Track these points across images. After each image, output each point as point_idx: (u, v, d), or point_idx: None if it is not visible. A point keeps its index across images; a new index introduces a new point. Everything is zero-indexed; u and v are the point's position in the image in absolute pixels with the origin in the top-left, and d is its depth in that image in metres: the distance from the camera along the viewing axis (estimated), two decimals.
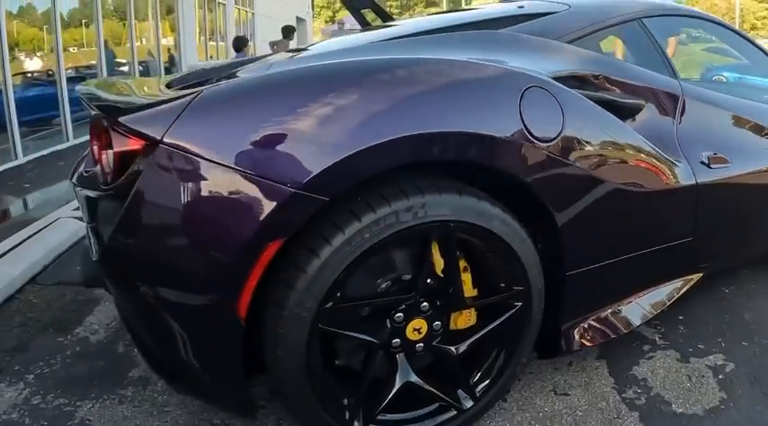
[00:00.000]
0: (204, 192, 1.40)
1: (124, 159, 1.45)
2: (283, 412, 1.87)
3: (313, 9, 35.82)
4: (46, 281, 3.12)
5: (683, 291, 2.33)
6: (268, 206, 1.37)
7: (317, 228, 1.46)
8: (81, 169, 2.13)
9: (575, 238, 1.82)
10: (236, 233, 1.39)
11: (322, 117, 1.46)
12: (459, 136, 1.58)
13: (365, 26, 4.80)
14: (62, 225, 3.98)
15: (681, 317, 2.53)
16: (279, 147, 1.42)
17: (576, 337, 2.00)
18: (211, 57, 14.03)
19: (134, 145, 1.42)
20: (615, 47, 2.64)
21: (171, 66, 11.59)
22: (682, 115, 2.33)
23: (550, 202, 1.74)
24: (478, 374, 1.81)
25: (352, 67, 1.65)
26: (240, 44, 9.54)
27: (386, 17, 4.36)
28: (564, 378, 2.13)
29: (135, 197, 1.40)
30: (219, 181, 1.39)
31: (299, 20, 27.98)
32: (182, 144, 1.38)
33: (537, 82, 1.77)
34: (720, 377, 2.16)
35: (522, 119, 1.67)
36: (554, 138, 1.73)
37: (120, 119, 1.43)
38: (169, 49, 11.90)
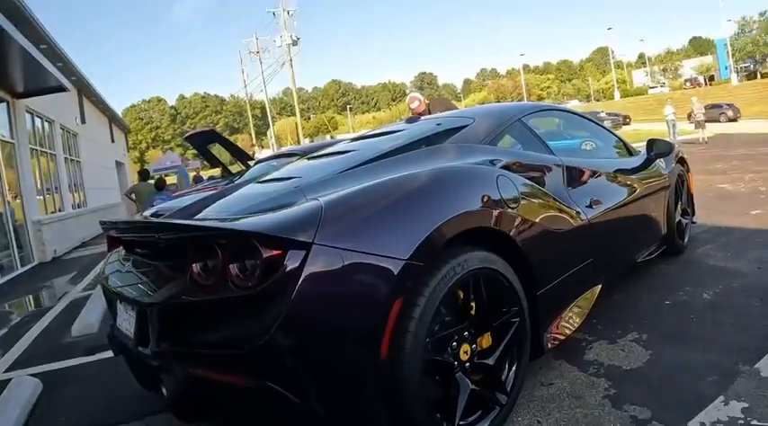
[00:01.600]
0: (351, 274, 2.07)
1: (269, 265, 1.92)
2: None
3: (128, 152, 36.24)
4: None
5: (596, 296, 3.38)
6: (393, 274, 2.11)
7: (414, 288, 2.21)
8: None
9: (537, 266, 2.75)
10: (377, 297, 2.08)
11: (410, 212, 2.29)
12: (476, 211, 2.50)
13: (211, 161, 5.67)
14: (16, 387, 3.84)
15: (594, 320, 3.56)
16: (390, 235, 2.18)
17: (549, 338, 2.92)
18: (52, 212, 13.97)
19: (278, 251, 1.92)
20: (510, 141, 3.70)
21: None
22: (565, 177, 3.44)
23: (522, 244, 2.67)
24: (504, 377, 2.59)
25: (412, 177, 2.50)
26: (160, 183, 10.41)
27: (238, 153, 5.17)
28: (542, 377, 2.99)
29: (301, 289, 1.90)
30: (359, 263, 2.08)
31: (119, 163, 28.35)
32: (327, 243, 2.03)
33: (500, 171, 2.77)
34: (642, 343, 3.21)
35: (500, 195, 2.64)
36: (516, 204, 2.72)
37: (264, 232, 1.94)
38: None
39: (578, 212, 3.25)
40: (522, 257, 2.68)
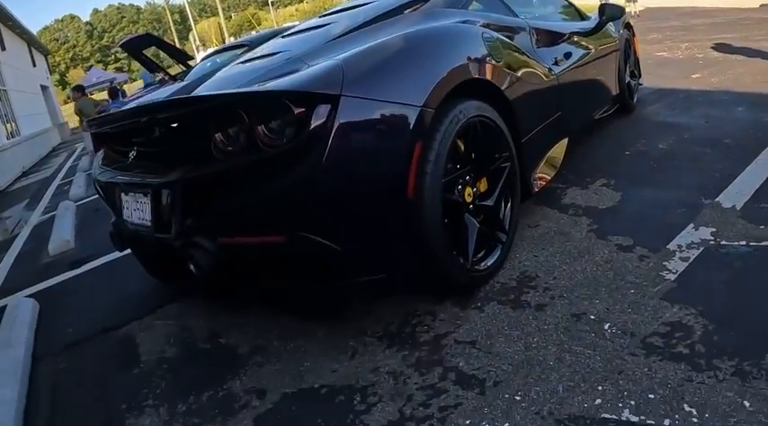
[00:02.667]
0: (377, 122, 2.21)
1: (300, 121, 2.02)
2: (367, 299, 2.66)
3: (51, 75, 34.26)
4: None
5: (564, 148, 3.63)
6: (412, 118, 2.26)
7: (429, 133, 2.38)
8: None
9: (520, 116, 2.95)
10: (402, 142, 2.24)
11: (419, 64, 2.43)
12: (471, 63, 2.64)
13: (150, 66, 5.59)
14: (15, 310, 3.74)
15: (564, 171, 3.84)
16: (405, 85, 2.32)
17: (535, 182, 3.18)
18: None
19: (308, 107, 2.01)
20: (477, 5, 3.76)
21: None
22: (532, 38, 3.61)
23: (508, 95, 2.85)
24: (502, 216, 2.84)
25: (414, 34, 2.62)
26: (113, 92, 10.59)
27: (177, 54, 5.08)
28: (528, 220, 3.27)
29: (334, 139, 2.00)
30: (383, 112, 2.21)
31: (44, 87, 27.06)
32: (353, 94, 2.14)
33: (482, 29, 2.91)
34: (611, 187, 3.52)
35: (488, 50, 2.80)
36: (500, 59, 2.88)
37: (294, 89, 2.10)
38: None
39: (549, 69, 3.45)
40: (509, 107, 2.87)
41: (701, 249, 2.60)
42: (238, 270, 2.43)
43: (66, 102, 38.58)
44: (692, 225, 2.85)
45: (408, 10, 3.32)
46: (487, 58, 2.76)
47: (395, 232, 2.28)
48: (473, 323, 2.39)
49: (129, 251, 3.43)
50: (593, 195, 3.44)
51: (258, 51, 3.64)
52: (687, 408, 1.73)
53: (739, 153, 3.69)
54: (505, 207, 2.83)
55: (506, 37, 3.20)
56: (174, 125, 2.50)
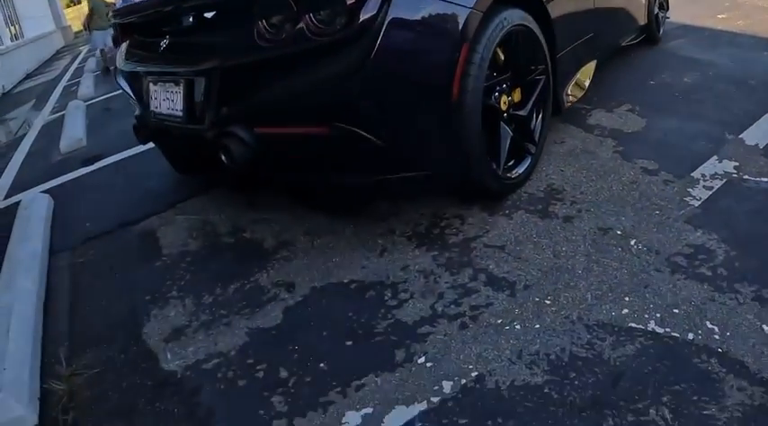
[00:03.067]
0: (430, 17, 2.19)
1: (351, 11, 2.05)
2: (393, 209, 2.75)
3: None
4: None
5: (593, 70, 3.63)
6: (462, 18, 2.25)
7: (475, 35, 2.37)
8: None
9: (558, 31, 2.93)
10: (451, 41, 2.23)
11: None
12: None
13: None
14: (31, 205, 3.75)
15: (590, 94, 3.83)
16: None
17: (566, 98, 3.20)
18: None
19: None
20: None
21: None
22: None
23: (550, 9, 2.82)
24: (533, 126, 2.87)
25: None
26: None
27: None
28: (554, 136, 3.26)
29: (386, 32, 2.01)
30: (434, 9, 2.20)
31: None
32: None
33: None
34: (636, 112, 3.54)
35: None
36: None
37: None
38: None
39: None
40: (549, 21, 2.85)
41: (724, 180, 2.66)
42: (272, 162, 2.44)
43: (68, 6, 37.45)
44: (715, 157, 2.89)
45: None
46: None
47: (436, 131, 2.30)
48: (501, 228, 2.46)
49: (145, 147, 3.42)
50: (618, 119, 3.46)
51: None
52: (709, 325, 1.82)
53: (764, 94, 3.70)
54: (536, 118, 2.86)
55: None
56: (213, 13, 2.47)
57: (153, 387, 1.98)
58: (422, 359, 1.84)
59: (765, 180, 2.60)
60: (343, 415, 1.69)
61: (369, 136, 2.15)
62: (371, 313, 2.09)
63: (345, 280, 2.30)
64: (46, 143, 5.97)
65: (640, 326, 1.83)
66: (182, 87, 2.51)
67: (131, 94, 3.09)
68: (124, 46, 3.18)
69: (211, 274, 2.55)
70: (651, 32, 4.92)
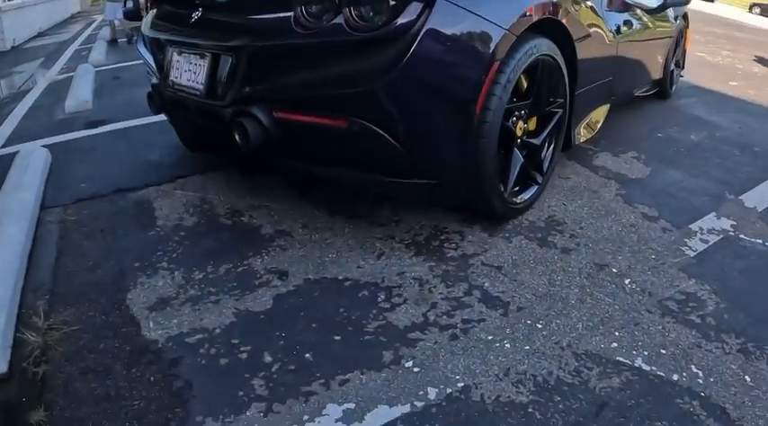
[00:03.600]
0: (466, 32, 2.25)
1: (392, 11, 2.11)
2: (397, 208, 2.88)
3: None
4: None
5: (605, 114, 3.70)
6: (495, 38, 2.29)
7: (506, 57, 2.41)
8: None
9: (581, 69, 2.99)
10: (483, 57, 2.28)
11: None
12: (554, 3, 2.65)
13: None
14: (28, 157, 3.70)
15: (599, 137, 3.91)
16: (496, 6, 2.35)
17: (577, 135, 3.26)
18: None
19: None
20: None
21: None
22: (606, 3, 3.62)
23: (576, 43, 2.88)
24: (543, 156, 2.92)
25: None
26: None
27: None
28: (560, 172, 3.29)
29: (424, 35, 2.10)
30: (472, 23, 2.25)
31: None
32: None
33: None
34: (642, 160, 3.61)
35: None
36: (578, 8, 2.90)
37: None
38: None
39: (611, 32, 3.46)
40: (574, 56, 2.91)
41: (721, 237, 2.72)
42: (284, 148, 2.45)
43: None
44: (714, 213, 2.96)
45: None
46: (568, 3, 2.79)
47: (454, 143, 2.34)
48: (500, 250, 2.49)
49: (153, 118, 3.39)
50: (624, 164, 3.52)
51: None
52: (694, 369, 1.86)
53: (766, 161, 3.78)
54: (548, 149, 2.91)
55: None
56: None
57: (131, 353, 1.95)
58: (409, 363, 1.85)
59: (760, 242, 2.65)
60: (324, 407, 1.69)
61: (387, 136, 2.18)
62: (363, 312, 2.10)
63: (340, 277, 2.31)
64: (50, 101, 5.92)
65: (628, 361, 1.86)
66: (207, 61, 2.52)
67: (150, 62, 3.10)
68: (151, 12, 3.17)
69: (204, 251, 2.54)
70: (664, 87, 5.03)
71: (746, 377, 1.83)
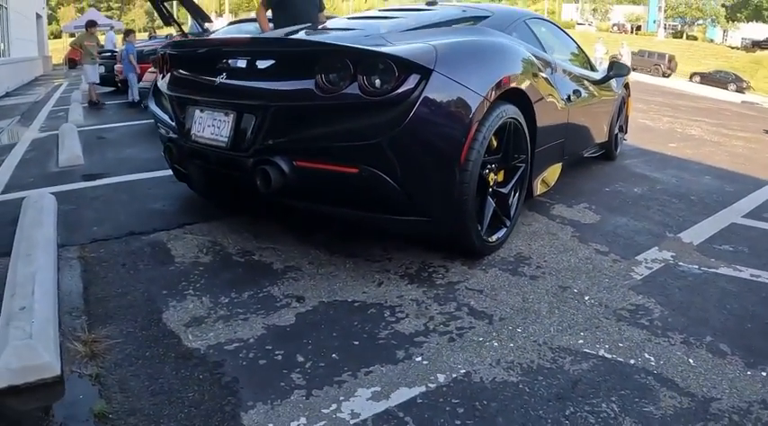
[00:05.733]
0: (453, 98, 2.82)
1: (398, 80, 2.66)
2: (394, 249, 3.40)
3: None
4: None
5: (559, 172, 4.35)
6: (476, 103, 2.87)
7: (482, 118, 2.98)
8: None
9: (540, 130, 3.61)
10: (466, 118, 2.84)
11: (488, 64, 3.09)
12: (520, 75, 3.29)
13: (167, 20, 5.98)
14: (39, 200, 3.93)
15: (552, 191, 4.52)
16: (476, 77, 2.94)
17: (536, 187, 3.87)
18: None
19: (407, 72, 2.62)
20: (517, 36, 4.44)
21: None
22: (554, 72, 4.32)
23: (536, 109, 3.49)
24: (510, 203, 3.47)
25: (488, 41, 3.31)
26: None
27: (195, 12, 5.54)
28: (522, 220, 3.86)
29: (422, 100, 2.64)
30: (458, 92, 2.82)
31: (38, 16, 27.13)
32: (442, 72, 2.74)
33: (527, 52, 3.59)
34: (592, 210, 4.23)
35: (532, 69, 3.48)
36: (537, 79, 3.55)
37: (400, 55, 2.68)
38: None
39: (563, 100, 4.14)
40: (533, 120, 3.53)
41: (663, 264, 3.30)
42: (302, 192, 2.94)
43: (54, 37, 38.13)
44: (656, 247, 3.56)
45: (464, 23, 3.97)
46: (528, 76, 3.42)
47: (444, 187, 2.87)
48: (479, 278, 3.01)
49: (149, 174, 3.70)
50: (577, 213, 4.13)
51: (335, 24, 4.23)
52: (647, 356, 2.37)
53: (702, 207, 4.46)
54: (514, 197, 3.46)
55: (539, 65, 3.88)
56: (276, 59, 2.99)
57: (176, 358, 2.29)
58: (419, 358, 2.31)
59: (696, 267, 3.25)
60: (356, 390, 2.12)
61: (391, 181, 2.71)
62: (374, 324, 2.56)
63: (349, 300, 2.77)
64: (39, 155, 6.18)
65: (593, 352, 2.37)
66: (231, 117, 3.01)
67: (166, 118, 3.59)
68: (165, 76, 3.65)
69: (225, 282, 2.93)
70: (610, 149, 5.75)
71: (690, 359, 2.35)
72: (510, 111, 3.19)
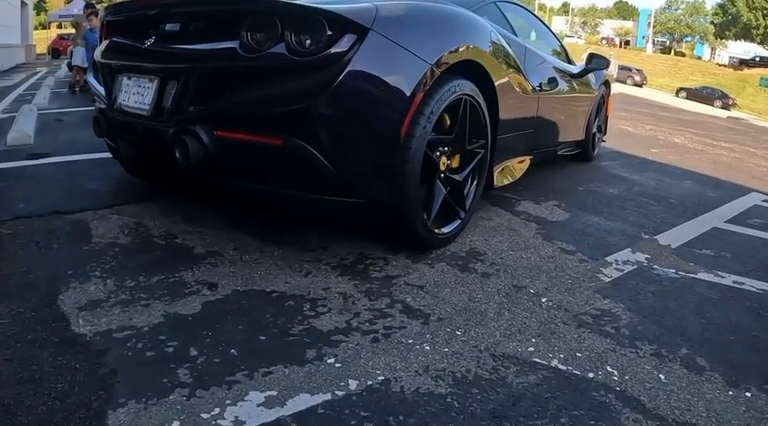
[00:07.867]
0: (392, 63, 2.45)
1: (328, 40, 2.30)
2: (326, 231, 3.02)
3: None
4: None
5: (526, 166, 3.97)
6: (421, 71, 2.50)
7: (430, 90, 2.62)
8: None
9: (502, 115, 3.26)
10: (408, 87, 2.47)
11: (440, 30, 2.73)
12: (480, 48, 2.93)
13: None
14: None
15: (520, 188, 4.16)
16: (423, 42, 2.56)
17: (496, 179, 3.48)
18: None
19: (341, 29, 2.26)
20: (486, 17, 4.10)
21: None
22: (525, 57, 3.95)
23: (498, 91, 3.14)
24: (465, 192, 3.10)
25: (443, 6, 2.92)
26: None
27: None
28: (482, 214, 3.54)
29: (355, 63, 2.29)
30: (399, 56, 2.45)
31: (23, 4, 26.86)
32: (380, 32, 2.38)
33: (492, 28, 3.21)
34: (562, 207, 3.86)
35: (493, 45, 3.10)
36: (500, 57, 3.18)
37: (332, 11, 2.31)
38: None
39: (533, 88, 3.78)
40: (495, 102, 3.16)
41: (635, 266, 2.94)
42: (223, 166, 2.56)
43: (36, 29, 38.03)
44: (629, 248, 3.20)
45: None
46: (491, 52, 3.08)
47: (381, 164, 2.50)
48: (422, 272, 2.62)
49: (94, 155, 3.42)
50: (545, 210, 3.76)
51: None
52: (609, 369, 1.99)
53: (682, 210, 4.11)
54: (470, 186, 3.10)
55: (505, 44, 3.51)
56: (201, 20, 2.67)
57: (58, 343, 1.96)
58: (331, 360, 1.92)
59: (673, 271, 2.88)
60: (247, 394, 1.73)
61: (318, 155, 2.33)
62: (288, 317, 2.17)
63: (267, 290, 2.38)
64: None
65: (544, 362, 1.99)
66: (155, 83, 2.64)
67: (99, 88, 3.24)
68: (104, 43, 3.31)
69: (137, 265, 2.58)
70: (586, 149, 5.40)
71: (660, 375, 1.98)
72: (466, 87, 2.83)
